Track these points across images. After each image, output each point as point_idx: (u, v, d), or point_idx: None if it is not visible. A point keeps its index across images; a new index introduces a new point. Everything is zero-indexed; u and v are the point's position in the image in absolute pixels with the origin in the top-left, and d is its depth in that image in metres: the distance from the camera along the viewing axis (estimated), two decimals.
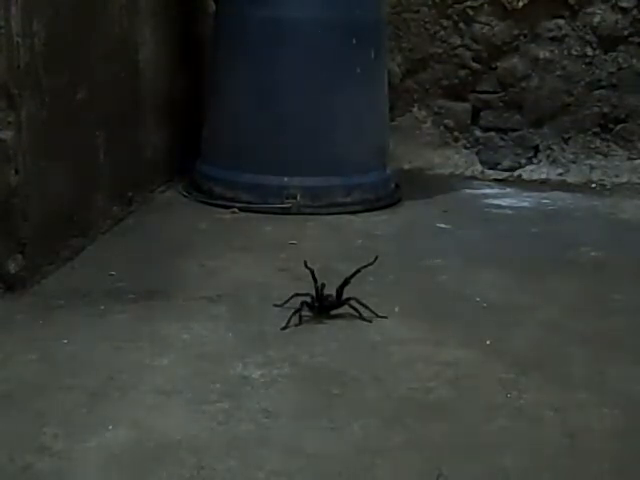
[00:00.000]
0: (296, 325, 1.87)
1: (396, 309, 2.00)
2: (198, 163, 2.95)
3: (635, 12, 3.29)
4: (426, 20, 3.40)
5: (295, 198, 2.75)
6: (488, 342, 1.84)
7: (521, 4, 3.32)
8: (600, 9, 3.30)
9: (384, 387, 1.64)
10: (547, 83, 3.37)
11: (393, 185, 3.02)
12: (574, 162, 3.38)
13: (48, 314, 1.91)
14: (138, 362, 1.70)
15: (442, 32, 3.40)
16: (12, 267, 2.00)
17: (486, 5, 3.35)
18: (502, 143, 3.42)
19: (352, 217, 2.75)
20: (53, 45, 2.10)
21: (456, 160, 3.42)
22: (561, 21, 3.33)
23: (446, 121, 3.45)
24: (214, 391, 1.59)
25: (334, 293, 1.94)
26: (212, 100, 2.93)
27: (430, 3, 3.39)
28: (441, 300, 2.10)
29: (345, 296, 1.93)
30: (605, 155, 3.37)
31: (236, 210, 2.73)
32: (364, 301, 1.92)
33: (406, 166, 3.37)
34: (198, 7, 3.25)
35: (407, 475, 1.37)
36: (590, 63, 3.34)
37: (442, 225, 2.71)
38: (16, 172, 1.98)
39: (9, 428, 1.45)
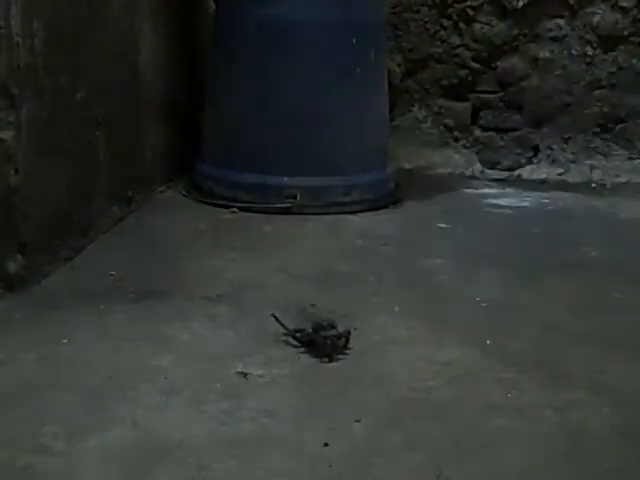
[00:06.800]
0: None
1: (396, 309, 2.00)
2: (198, 163, 2.95)
3: (635, 12, 3.29)
4: (426, 20, 3.40)
5: (295, 198, 2.75)
6: (488, 342, 1.84)
7: (521, 4, 3.32)
8: (600, 9, 3.30)
9: (384, 387, 1.64)
10: (547, 83, 3.37)
11: (393, 185, 3.01)
12: (574, 162, 3.38)
13: (48, 314, 1.91)
14: (138, 362, 1.70)
15: (442, 32, 3.40)
16: (12, 267, 2.00)
17: (486, 5, 3.35)
18: (502, 143, 3.42)
19: (352, 217, 2.75)
20: (53, 45, 2.09)
21: (456, 160, 3.42)
22: (561, 21, 3.33)
23: (446, 121, 3.45)
24: (214, 391, 1.59)
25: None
26: (212, 100, 2.93)
27: (430, 3, 3.39)
28: (441, 300, 2.10)
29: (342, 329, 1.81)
30: (605, 155, 3.37)
31: (236, 210, 2.73)
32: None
33: (406, 166, 3.36)
34: (198, 7, 3.25)
35: (407, 475, 1.37)
36: (590, 63, 3.34)
37: (442, 225, 2.71)
38: (16, 172, 1.98)
39: (9, 428, 1.45)
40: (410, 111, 3.47)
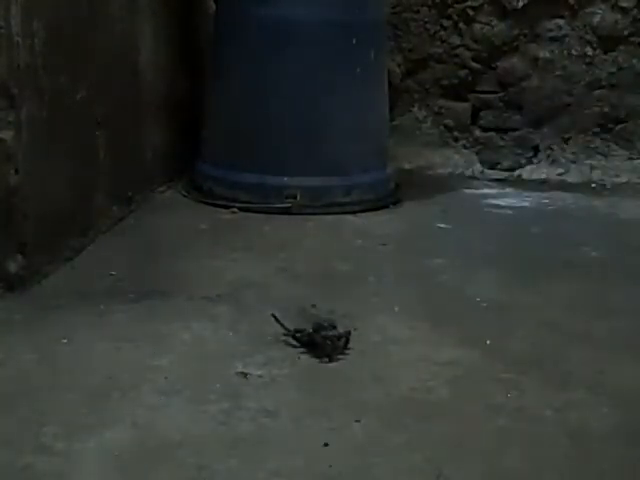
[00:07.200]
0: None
1: (396, 309, 2.00)
2: (198, 163, 2.95)
3: (635, 12, 3.29)
4: (426, 20, 3.40)
5: (295, 198, 2.75)
6: (488, 342, 1.84)
7: (521, 4, 3.32)
8: (600, 9, 3.30)
9: (384, 387, 1.64)
10: (547, 83, 3.37)
11: (393, 185, 3.01)
12: (574, 162, 3.38)
13: (48, 314, 1.91)
14: (138, 362, 1.70)
15: (442, 32, 3.40)
16: (12, 267, 2.00)
17: (486, 5, 3.35)
18: (502, 143, 3.42)
19: (352, 217, 2.75)
20: (53, 45, 2.09)
21: (456, 160, 3.42)
22: (561, 21, 3.33)
23: (446, 121, 3.45)
24: (214, 391, 1.59)
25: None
26: (212, 100, 2.93)
27: (430, 3, 3.39)
28: (441, 300, 2.10)
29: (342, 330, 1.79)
30: (605, 155, 3.37)
31: (236, 210, 2.73)
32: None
33: (406, 166, 3.36)
34: (198, 7, 3.25)
35: (407, 475, 1.37)
36: (590, 63, 3.34)
37: (442, 225, 2.71)
38: (16, 172, 1.98)
39: (9, 428, 1.45)
40: (410, 111, 3.47)
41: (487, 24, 3.36)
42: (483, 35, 3.37)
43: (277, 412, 1.53)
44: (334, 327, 1.77)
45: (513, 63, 3.38)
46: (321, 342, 1.74)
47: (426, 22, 3.41)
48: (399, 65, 3.44)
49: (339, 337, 1.76)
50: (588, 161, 3.37)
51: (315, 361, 1.73)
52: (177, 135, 3.00)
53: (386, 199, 2.91)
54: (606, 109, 3.35)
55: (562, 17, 3.33)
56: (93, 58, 2.36)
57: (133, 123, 2.68)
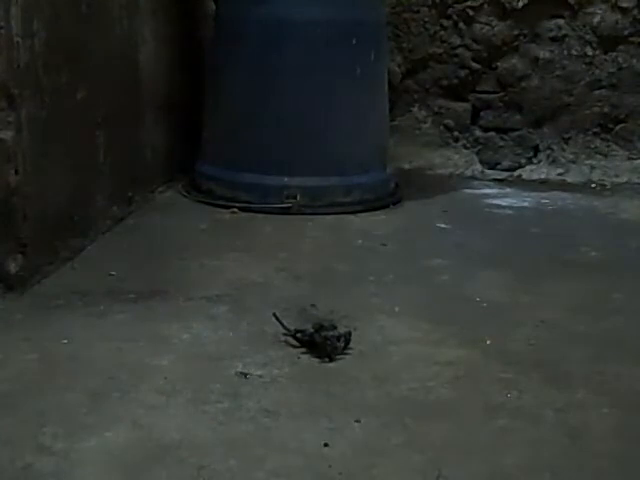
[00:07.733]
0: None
1: (396, 309, 2.00)
2: (198, 163, 2.95)
3: (635, 12, 3.30)
4: (426, 20, 3.41)
5: (295, 198, 2.75)
6: (488, 342, 1.84)
7: (521, 4, 3.32)
8: (600, 9, 3.31)
9: (384, 387, 1.64)
10: (547, 83, 3.37)
11: (393, 185, 3.02)
12: (574, 162, 3.38)
13: (48, 314, 1.91)
14: (138, 362, 1.70)
15: (442, 32, 3.41)
16: (12, 267, 2.00)
17: (486, 5, 3.36)
18: (502, 143, 3.43)
19: (352, 217, 2.75)
20: (53, 45, 2.10)
21: (456, 160, 3.42)
22: (561, 21, 3.34)
23: (446, 121, 3.46)
24: (214, 391, 1.59)
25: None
26: (212, 100, 2.93)
27: (430, 3, 3.40)
28: (441, 300, 2.10)
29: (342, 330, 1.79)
30: (605, 155, 3.37)
31: (236, 210, 2.73)
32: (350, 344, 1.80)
33: (406, 166, 3.37)
34: (198, 7, 3.25)
35: (407, 475, 1.37)
36: (590, 63, 3.34)
37: (442, 225, 2.71)
38: (16, 172, 1.98)
39: (9, 428, 1.45)
40: (410, 111, 3.47)
41: (487, 24, 3.37)
42: (483, 35, 3.37)
43: (277, 412, 1.53)
44: (334, 327, 1.77)
45: (513, 63, 3.38)
46: (321, 342, 1.74)
47: (426, 22, 3.41)
48: (399, 65, 3.44)
49: (339, 337, 1.76)
50: (588, 161, 3.37)
51: (315, 361, 1.73)
52: (177, 135, 3.00)
53: (386, 199, 2.91)
54: (606, 109, 3.36)
55: (562, 17, 3.33)
56: (93, 58, 2.36)
57: (133, 123, 2.68)
